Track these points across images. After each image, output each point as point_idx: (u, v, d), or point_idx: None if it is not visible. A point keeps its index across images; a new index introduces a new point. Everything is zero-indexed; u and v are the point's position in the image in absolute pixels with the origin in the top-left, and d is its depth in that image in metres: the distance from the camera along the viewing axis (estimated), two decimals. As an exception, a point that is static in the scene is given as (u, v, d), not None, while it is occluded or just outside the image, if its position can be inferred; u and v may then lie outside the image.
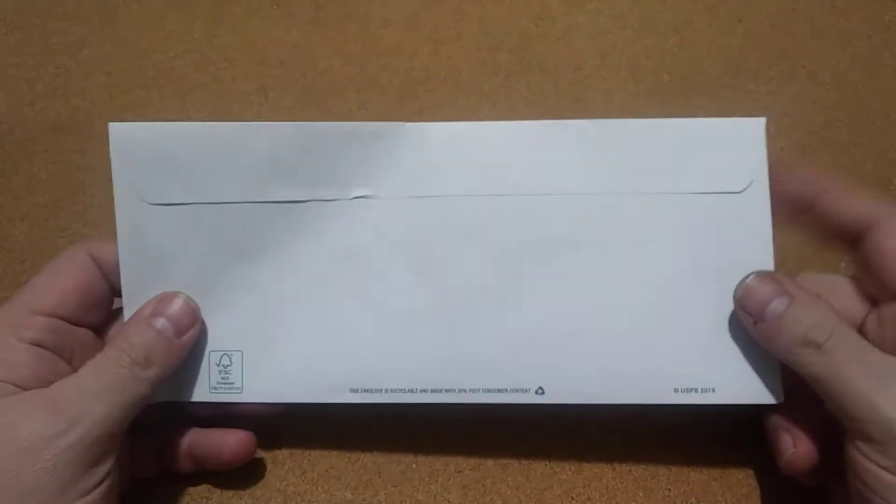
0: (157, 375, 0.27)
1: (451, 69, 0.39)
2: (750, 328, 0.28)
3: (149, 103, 0.39)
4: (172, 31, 0.40)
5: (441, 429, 0.33)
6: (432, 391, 0.30)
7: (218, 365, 0.30)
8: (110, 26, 0.40)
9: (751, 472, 0.32)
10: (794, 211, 0.29)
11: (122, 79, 0.39)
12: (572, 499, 0.32)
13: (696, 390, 0.29)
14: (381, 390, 0.30)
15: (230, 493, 0.32)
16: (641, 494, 0.32)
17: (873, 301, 0.28)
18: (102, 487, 0.26)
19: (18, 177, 0.38)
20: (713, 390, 0.29)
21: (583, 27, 0.39)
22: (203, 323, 0.30)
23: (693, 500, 0.32)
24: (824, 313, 0.26)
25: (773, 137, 0.37)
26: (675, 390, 0.29)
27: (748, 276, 0.28)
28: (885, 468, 0.24)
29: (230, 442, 0.30)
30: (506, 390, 0.29)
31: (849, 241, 0.28)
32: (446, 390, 0.30)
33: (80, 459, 0.25)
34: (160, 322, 0.28)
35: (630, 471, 0.32)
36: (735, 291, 0.28)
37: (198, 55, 0.40)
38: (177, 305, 0.29)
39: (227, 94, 0.39)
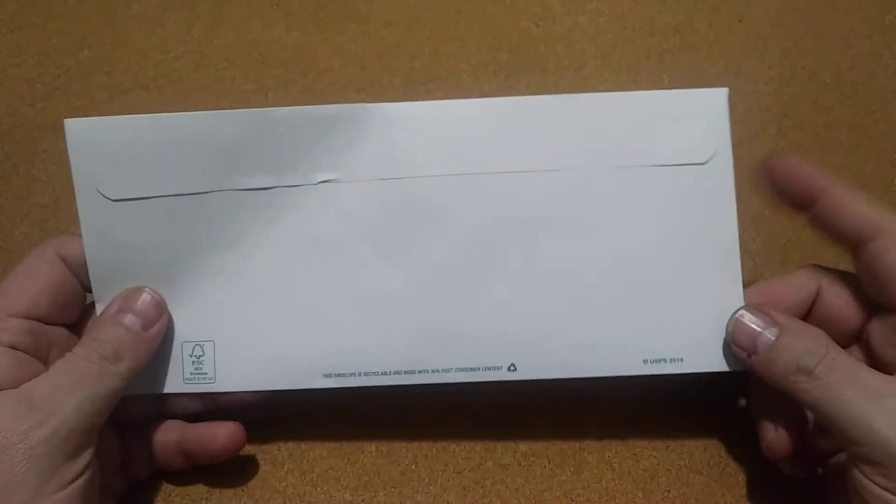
0: (129, 369, 0.27)
1: (452, 69, 0.39)
2: (746, 362, 0.28)
3: (149, 104, 0.39)
4: (173, 32, 0.40)
5: (440, 430, 0.33)
6: (405, 373, 0.30)
7: (191, 356, 0.30)
8: (110, 26, 0.40)
9: (750, 474, 0.32)
10: (793, 205, 0.28)
11: (122, 79, 0.39)
12: (572, 500, 0.32)
13: (665, 360, 0.29)
14: (354, 374, 0.30)
15: (229, 493, 0.32)
16: (641, 496, 0.32)
17: (875, 306, 0.28)
18: (81, 480, 0.26)
19: (18, 177, 0.38)
20: (681, 360, 0.29)
21: (583, 28, 0.39)
22: (170, 316, 0.30)
23: (692, 501, 0.32)
24: (814, 339, 0.26)
25: (774, 138, 0.37)
26: (645, 361, 0.29)
27: (737, 310, 0.28)
28: (887, 489, 0.24)
29: (220, 435, 0.30)
30: (478, 369, 0.30)
31: (848, 245, 0.27)
32: (419, 371, 0.30)
33: (56, 452, 0.25)
34: (127, 318, 0.28)
35: (629, 472, 0.32)
36: (727, 326, 0.28)
37: (198, 55, 0.40)
38: (142, 300, 0.29)
39: (227, 94, 0.39)
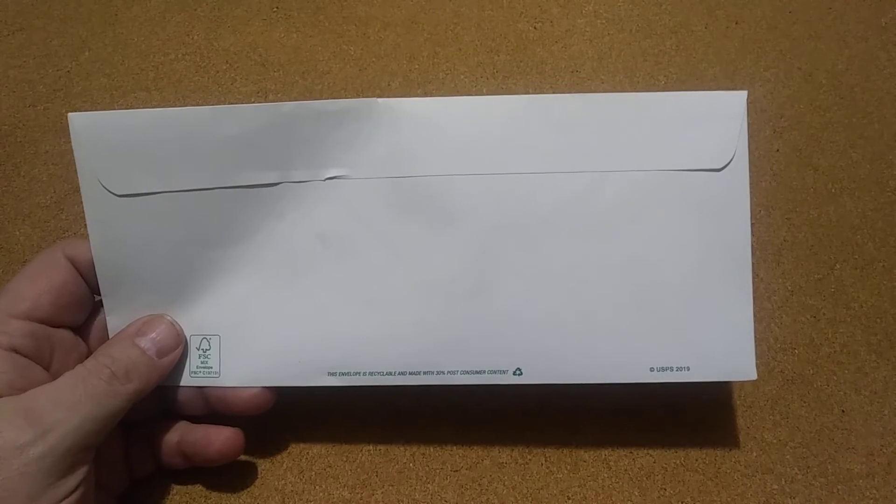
0: (135, 391, 0.27)
1: (450, 71, 0.39)
2: None
3: (150, 105, 0.39)
4: (173, 34, 0.40)
5: (438, 428, 0.33)
6: (410, 373, 0.30)
7: (198, 349, 0.30)
8: (111, 28, 0.40)
9: (746, 472, 0.32)
10: None
11: (123, 81, 0.40)
12: (568, 498, 0.32)
13: (672, 369, 0.29)
14: (359, 373, 0.30)
15: (228, 491, 0.32)
16: (637, 493, 0.32)
17: None
18: (72, 499, 0.25)
19: (20, 178, 0.38)
20: (688, 369, 0.29)
21: (580, 29, 0.40)
22: (186, 343, 0.30)
23: (688, 499, 0.32)
24: None
25: (770, 139, 0.37)
26: (651, 369, 0.29)
27: None
28: None
29: (216, 440, 0.30)
30: (484, 371, 0.30)
31: None
32: (424, 372, 0.30)
33: (49, 470, 0.24)
34: (144, 341, 0.28)
35: (626, 470, 0.32)
36: None
37: (198, 57, 0.40)
38: (162, 327, 0.29)
39: (227, 96, 0.39)
